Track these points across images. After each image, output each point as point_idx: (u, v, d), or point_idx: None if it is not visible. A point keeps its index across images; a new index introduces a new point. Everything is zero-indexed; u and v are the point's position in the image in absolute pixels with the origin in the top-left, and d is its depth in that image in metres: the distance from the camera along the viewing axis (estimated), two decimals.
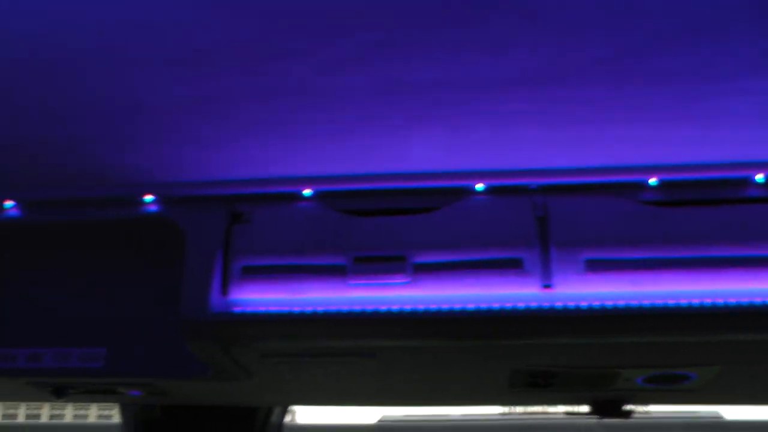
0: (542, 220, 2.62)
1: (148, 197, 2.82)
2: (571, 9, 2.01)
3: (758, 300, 2.48)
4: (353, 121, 2.41)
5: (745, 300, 2.48)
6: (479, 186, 2.68)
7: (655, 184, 2.66)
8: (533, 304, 2.51)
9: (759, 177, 2.63)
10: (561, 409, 3.79)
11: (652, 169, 2.66)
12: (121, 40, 2.13)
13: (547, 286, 2.54)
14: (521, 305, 2.50)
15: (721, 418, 6.81)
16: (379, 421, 6.65)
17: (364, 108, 2.35)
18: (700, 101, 2.34)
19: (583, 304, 2.50)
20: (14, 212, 2.95)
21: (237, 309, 2.62)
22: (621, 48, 2.15)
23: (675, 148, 2.58)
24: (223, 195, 2.76)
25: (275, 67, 2.18)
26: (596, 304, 2.50)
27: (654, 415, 6.36)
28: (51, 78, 2.32)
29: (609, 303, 2.50)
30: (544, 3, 2.00)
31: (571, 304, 2.50)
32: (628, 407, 3.36)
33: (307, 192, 2.75)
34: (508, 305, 2.50)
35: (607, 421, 3.60)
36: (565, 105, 2.35)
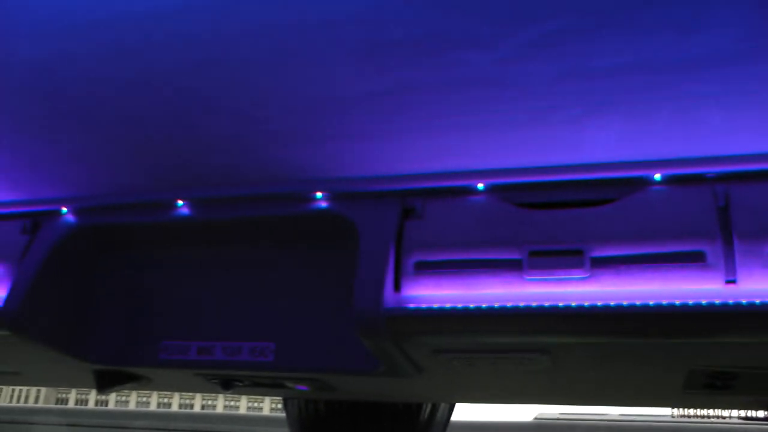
0: (724, 210, 2.49)
1: (320, 193, 2.85)
2: None
3: None
4: (529, 112, 2.36)
5: None
6: (657, 176, 2.57)
7: None
8: (717, 300, 2.37)
9: None
10: (734, 413, 3.59)
11: None
12: (296, 38, 2.15)
13: (730, 281, 2.41)
14: (704, 301, 2.38)
15: None
16: (535, 418, 6.56)
17: (542, 98, 2.29)
18: None
19: None
20: (185, 210, 3.04)
21: (410, 305, 2.61)
22: None
23: None
24: (395, 190, 2.76)
25: (452, 57, 2.15)
26: None
27: None
28: (224, 77, 2.37)
29: None
30: None
31: (757, 300, 2.36)
32: None
33: (480, 185, 2.71)
34: (691, 301, 2.39)
35: None
36: (751, 87, 2.23)
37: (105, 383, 3.44)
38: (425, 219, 2.72)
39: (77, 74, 2.38)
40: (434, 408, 3.90)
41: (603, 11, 1.96)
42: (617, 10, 1.95)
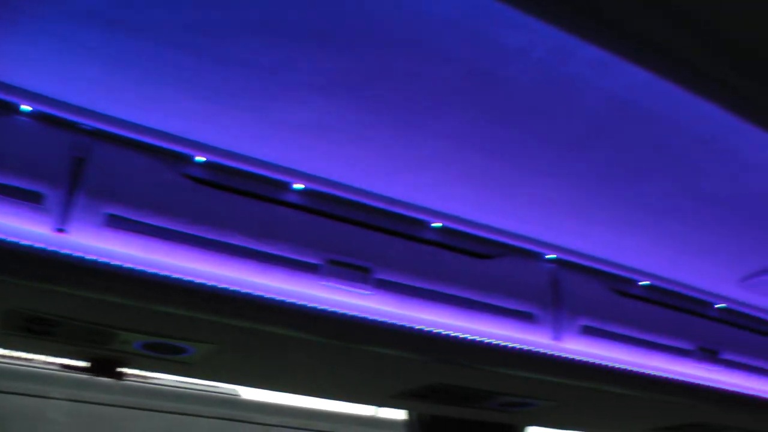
0: (79, 161, 2.50)
1: None
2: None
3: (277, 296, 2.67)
4: None
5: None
6: (25, 107, 2.47)
7: (202, 161, 2.69)
8: (44, 246, 2.36)
9: (298, 186, 2.81)
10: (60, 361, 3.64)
11: (200, 147, 2.66)
12: None
13: (60, 230, 2.42)
14: (26, 242, 2.34)
15: (239, 396, 7.09)
16: None
17: None
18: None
19: (97, 258, 2.42)
20: None
21: None
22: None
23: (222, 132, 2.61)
24: None
25: None
26: (109, 261, 2.44)
27: (158, 381, 6.45)
28: None
29: (122, 263, 2.45)
30: None
31: (85, 254, 2.41)
32: (123, 369, 3.32)
33: None
34: (22, 241, 2.33)
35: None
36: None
37: None
38: None
39: None
40: None
41: None
42: None
